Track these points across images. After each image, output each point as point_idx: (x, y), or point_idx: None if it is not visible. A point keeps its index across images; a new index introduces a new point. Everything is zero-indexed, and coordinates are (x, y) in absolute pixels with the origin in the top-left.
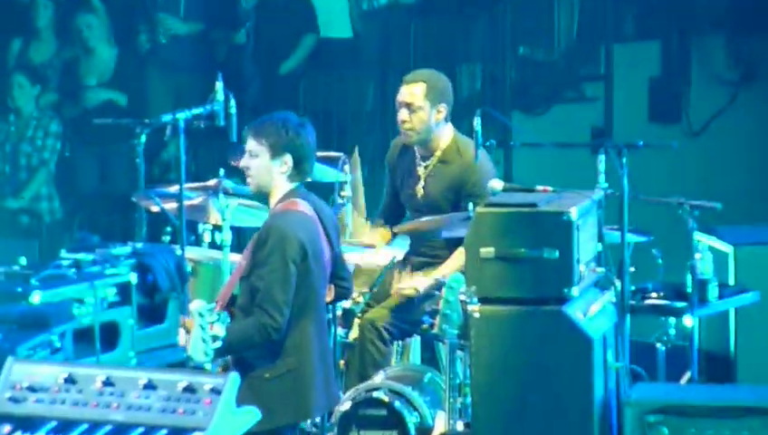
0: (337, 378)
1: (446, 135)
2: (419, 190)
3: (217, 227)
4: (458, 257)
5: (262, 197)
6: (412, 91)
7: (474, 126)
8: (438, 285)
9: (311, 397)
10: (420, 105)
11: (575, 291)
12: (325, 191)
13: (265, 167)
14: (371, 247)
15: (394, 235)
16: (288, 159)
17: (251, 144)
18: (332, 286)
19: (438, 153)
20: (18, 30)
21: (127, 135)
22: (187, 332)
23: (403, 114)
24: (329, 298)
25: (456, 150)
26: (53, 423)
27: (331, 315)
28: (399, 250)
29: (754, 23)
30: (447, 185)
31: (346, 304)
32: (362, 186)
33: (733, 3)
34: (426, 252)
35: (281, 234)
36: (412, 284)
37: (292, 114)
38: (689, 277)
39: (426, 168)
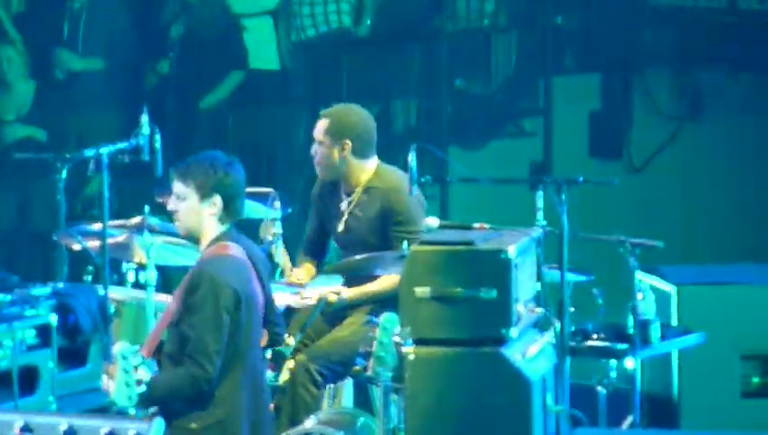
0: (271, 423)
1: (367, 169)
2: (341, 227)
3: (142, 266)
4: (388, 279)
5: (191, 239)
6: (317, 126)
7: (409, 162)
8: (371, 325)
9: None
10: (321, 140)
11: (513, 332)
12: (253, 229)
13: (194, 209)
14: (299, 286)
15: (318, 269)
16: (217, 199)
17: (178, 187)
18: (265, 331)
19: (359, 188)
20: None
21: (47, 170)
22: (111, 377)
23: (312, 148)
24: (262, 343)
25: (377, 180)
26: None
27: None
28: (328, 287)
29: (700, 56)
30: (372, 215)
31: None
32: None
33: (677, 36)
34: None
35: (213, 281)
36: (336, 289)
37: (219, 153)
38: (631, 318)
39: (349, 204)
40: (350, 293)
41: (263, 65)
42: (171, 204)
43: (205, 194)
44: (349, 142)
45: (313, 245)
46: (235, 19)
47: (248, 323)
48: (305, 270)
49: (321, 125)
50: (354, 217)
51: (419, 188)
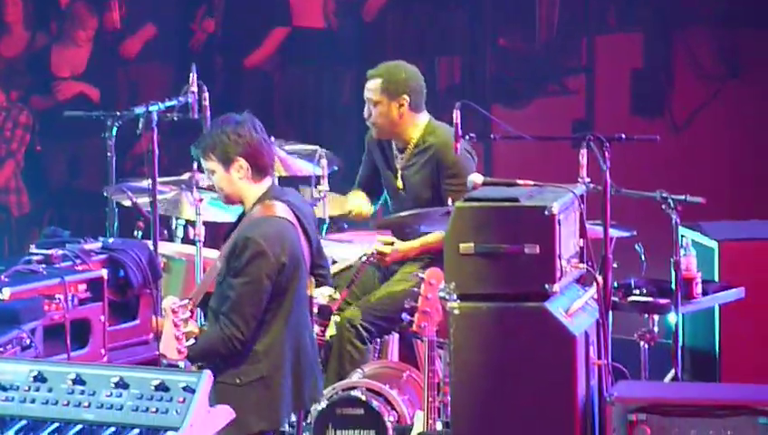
0: (320, 377)
1: (419, 124)
2: (399, 183)
3: (191, 222)
4: (437, 235)
5: (236, 205)
6: (370, 87)
7: (453, 119)
8: (417, 282)
9: (281, 405)
10: (378, 100)
11: (557, 287)
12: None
13: (225, 179)
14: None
15: (372, 205)
16: (241, 162)
17: (204, 163)
18: (311, 277)
19: (413, 143)
20: None
21: (98, 128)
22: (160, 329)
23: (365, 109)
24: (308, 291)
25: (429, 135)
26: (23, 423)
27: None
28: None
29: (740, 17)
30: (426, 170)
31: (322, 300)
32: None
33: None
34: None
35: (258, 248)
36: (389, 240)
37: (230, 116)
38: (673, 273)
39: (403, 159)
40: (403, 245)
41: (309, 23)
42: (208, 180)
43: (227, 161)
44: (406, 98)
45: (366, 182)
46: None
47: (293, 282)
48: (357, 196)
49: (375, 84)
50: (409, 172)
51: (469, 143)
